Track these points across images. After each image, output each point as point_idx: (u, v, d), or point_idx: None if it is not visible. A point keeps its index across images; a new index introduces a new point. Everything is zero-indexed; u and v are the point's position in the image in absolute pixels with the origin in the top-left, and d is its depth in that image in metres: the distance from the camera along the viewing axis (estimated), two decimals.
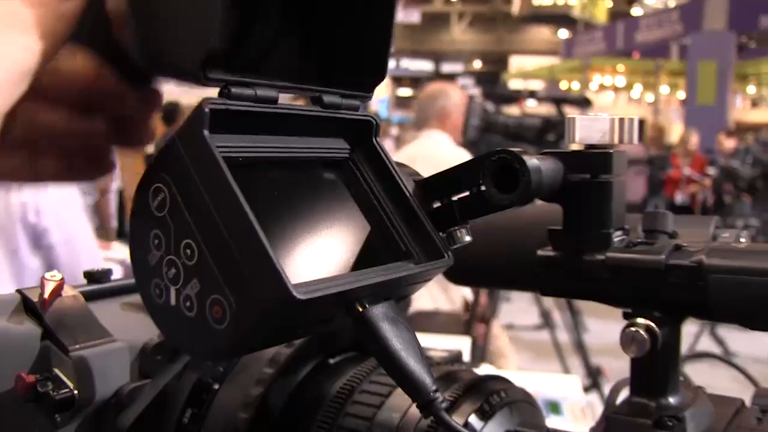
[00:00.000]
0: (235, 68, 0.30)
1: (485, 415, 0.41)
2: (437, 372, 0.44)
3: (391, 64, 0.37)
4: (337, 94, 0.35)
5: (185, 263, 0.29)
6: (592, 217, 0.36)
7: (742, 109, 14.13)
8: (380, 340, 0.31)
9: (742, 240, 0.40)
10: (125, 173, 4.01)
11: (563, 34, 19.12)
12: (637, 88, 14.24)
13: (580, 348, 3.30)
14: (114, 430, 0.43)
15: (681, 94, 11.83)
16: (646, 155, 9.69)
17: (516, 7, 19.95)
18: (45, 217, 1.74)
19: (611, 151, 0.36)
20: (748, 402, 0.40)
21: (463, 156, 2.87)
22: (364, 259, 0.33)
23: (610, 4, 19.43)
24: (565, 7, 18.19)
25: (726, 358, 0.66)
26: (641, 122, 0.37)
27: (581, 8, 17.99)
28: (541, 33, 22.75)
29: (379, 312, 0.31)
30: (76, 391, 0.42)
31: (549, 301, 3.91)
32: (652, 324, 0.34)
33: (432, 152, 2.78)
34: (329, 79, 0.35)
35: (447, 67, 23.48)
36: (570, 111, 3.82)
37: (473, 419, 0.41)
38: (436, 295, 2.61)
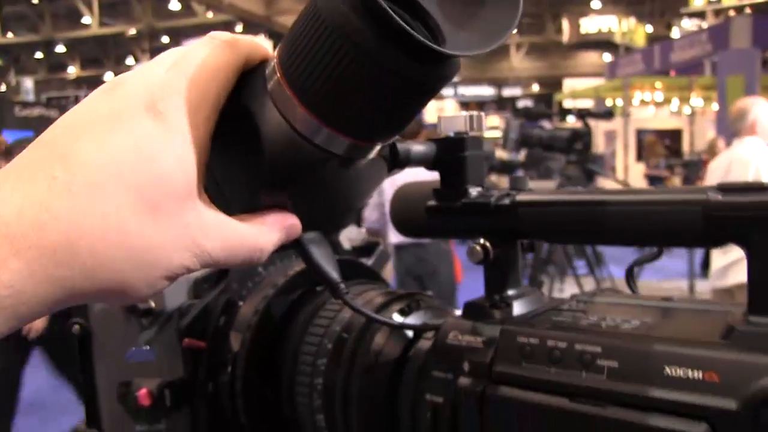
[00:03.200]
0: None
1: (404, 313, 0.54)
2: (393, 295, 0.58)
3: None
4: None
5: None
6: (456, 178, 0.49)
7: None
8: (306, 254, 0.43)
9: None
10: None
11: (607, 57, 18.78)
12: (675, 102, 13.86)
13: None
14: (178, 328, 0.58)
15: (715, 106, 11.45)
16: (682, 161, 9.49)
17: (566, 36, 19.74)
18: None
19: (465, 136, 0.49)
20: None
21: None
22: None
23: (650, 30, 18.99)
24: (608, 34, 17.94)
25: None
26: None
27: (621, 35, 17.73)
28: (589, 57, 22.37)
29: (308, 237, 0.44)
30: (153, 304, 0.58)
31: None
32: (487, 243, 0.46)
33: (744, 155, 3.08)
34: None
35: (507, 92, 23.35)
36: (594, 123, 3.92)
37: (395, 316, 0.54)
38: None
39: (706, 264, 5.06)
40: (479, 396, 0.41)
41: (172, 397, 0.58)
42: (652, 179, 8.54)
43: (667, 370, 0.35)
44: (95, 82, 22.09)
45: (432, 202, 0.51)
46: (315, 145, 0.35)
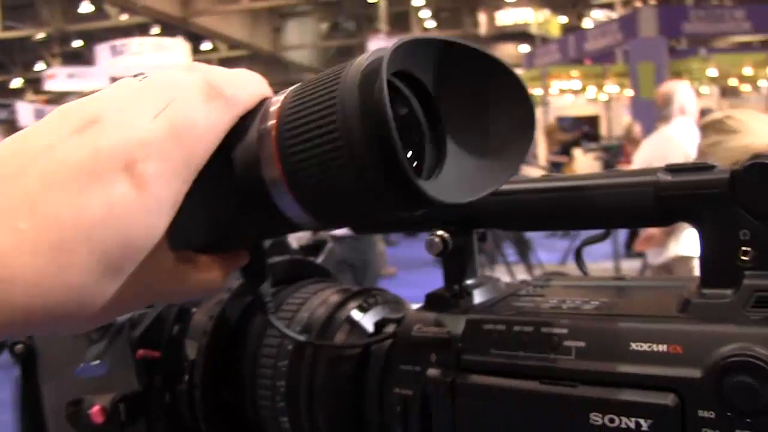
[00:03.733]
0: None
1: (363, 309, 0.54)
2: (349, 293, 0.57)
3: None
4: None
5: None
6: None
7: None
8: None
9: None
10: None
11: (524, 48, 19.22)
12: (591, 90, 14.34)
13: None
14: (129, 340, 0.56)
15: (629, 92, 11.91)
16: (600, 145, 9.86)
17: (483, 29, 20.13)
18: None
19: None
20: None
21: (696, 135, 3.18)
22: None
23: (564, 20, 19.57)
24: (524, 26, 18.44)
25: None
26: None
27: (537, 26, 18.25)
28: (506, 49, 22.80)
29: None
30: None
31: None
32: (445, 234, 0.47)
33: (674, 135, 3.19)
34: None
35: None
36: None
37: (354, 312, 0.54)
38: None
39: (629, 244, 5.26)
40: (449, 386, 0.41)
41: (126, 411, 0.56)
42: (554, 164, 8.73)
43: (633, 345, 0.36)
44: (2, 89, 21.09)
45: None
46: (286, 218, 0.34)
